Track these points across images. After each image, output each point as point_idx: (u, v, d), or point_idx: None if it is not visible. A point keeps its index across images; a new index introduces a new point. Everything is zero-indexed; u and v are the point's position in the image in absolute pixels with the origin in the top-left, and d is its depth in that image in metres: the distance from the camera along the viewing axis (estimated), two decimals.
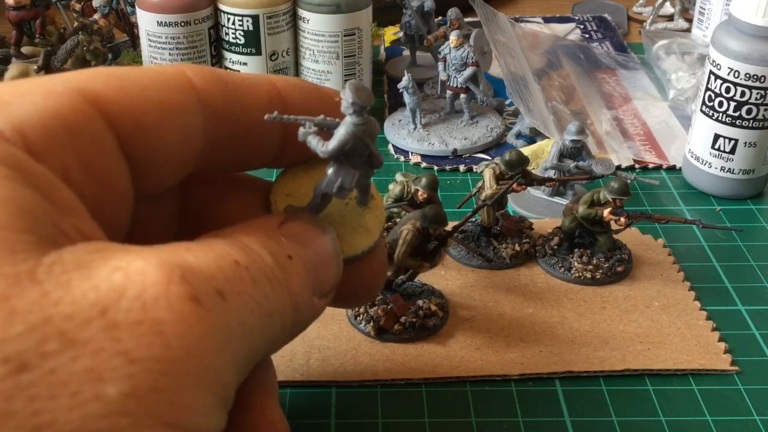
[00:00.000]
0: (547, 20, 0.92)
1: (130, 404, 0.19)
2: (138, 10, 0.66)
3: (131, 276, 0.21)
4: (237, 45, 0.66)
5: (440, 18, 0.79)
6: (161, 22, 0.64)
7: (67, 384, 0.19)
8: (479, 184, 0.53)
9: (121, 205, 0.27)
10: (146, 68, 0.28)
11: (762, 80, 0.55)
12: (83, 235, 0.23)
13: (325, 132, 0.28)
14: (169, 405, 0.20)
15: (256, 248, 0.25)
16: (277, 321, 0.25)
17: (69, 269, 0.21)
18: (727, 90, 0.57)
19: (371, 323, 0.46)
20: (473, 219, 0.52)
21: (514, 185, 0.51)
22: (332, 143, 0.27)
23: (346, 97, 0.27)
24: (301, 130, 0.27)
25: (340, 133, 0.27)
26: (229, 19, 0.65)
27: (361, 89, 0.27)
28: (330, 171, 0.29)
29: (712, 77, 0.58)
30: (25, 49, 0.75)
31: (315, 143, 0.27)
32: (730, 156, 0.58)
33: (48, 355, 0.19)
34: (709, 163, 0.59)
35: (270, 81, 0.30)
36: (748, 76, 0.55)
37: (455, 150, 0.65)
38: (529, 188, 0.56)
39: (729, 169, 0.59)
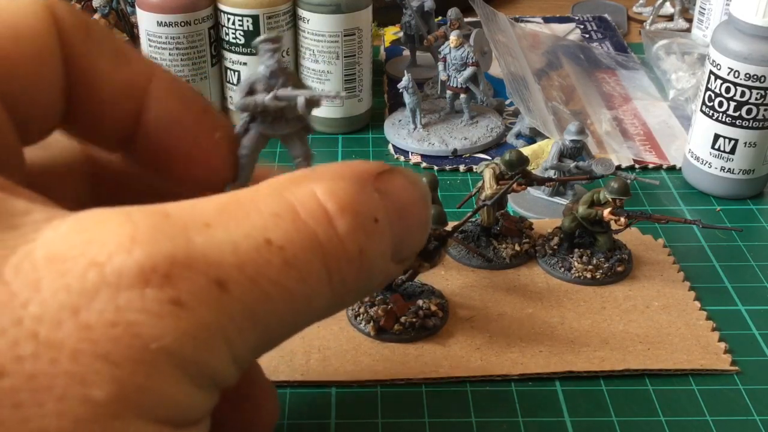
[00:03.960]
0: (547, 20, 0.92)
1: (119, 407, 0.19)
2: (138, 10, 0.66)
3: (106, 276, 0.20)
4: (237, 45, 0.66)
5: (440, 18, 0.79)
6: (161, 22, 0.64)
7: (50, 389, 0.18)
8: (479, 184, 0.53)
9: (10, 150, 0.25)
10: None
11: (762, 80, 0.55)
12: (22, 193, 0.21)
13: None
14: (158, 403, 0.20)
15: (330, 207, 0.23)
16: (320, 300, 0.23)
17: (39, 266, 0.20)
18: (727, 90, 0.57)
19: (371, 323, 0.46)
20: (473, 219, 0.52)
21: (514, 185, 0.51)
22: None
23: (263, 49, 0.28)
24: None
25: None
26: (229, 19, 0.65)
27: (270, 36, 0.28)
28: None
29: (712, 77, 0.58)
30: None
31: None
32: (730, 156, 0.58)
33: (24, 359, 0.19)
34: (709, 163, 0.59)
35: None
36: (748, 76, 0.55)
37: (455, 150, 0.65)
38: (529, 188, 0.56)
39: (729, 169, 0.59)
